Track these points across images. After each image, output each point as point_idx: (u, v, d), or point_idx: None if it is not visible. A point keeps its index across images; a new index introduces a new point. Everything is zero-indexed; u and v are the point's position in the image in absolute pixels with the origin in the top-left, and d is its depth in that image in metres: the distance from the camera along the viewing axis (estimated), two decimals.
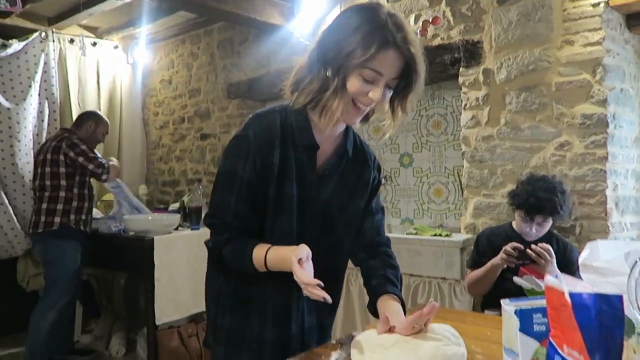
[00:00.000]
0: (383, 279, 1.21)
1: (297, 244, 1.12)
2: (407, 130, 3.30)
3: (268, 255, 1.07)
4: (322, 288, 1.13)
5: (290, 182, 1.13)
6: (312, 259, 1.17)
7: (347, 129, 1.22)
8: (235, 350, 1.17)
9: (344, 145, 1.20)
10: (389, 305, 1.15)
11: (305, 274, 0.99)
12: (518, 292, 1.91)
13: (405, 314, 1.13)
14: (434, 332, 0.99)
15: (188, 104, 4.46)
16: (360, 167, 1.26)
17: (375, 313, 1.18)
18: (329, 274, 1.23)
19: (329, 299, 0.97)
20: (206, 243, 1.17)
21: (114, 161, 3.24)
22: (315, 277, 1.17)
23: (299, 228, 1.16)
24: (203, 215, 3.48)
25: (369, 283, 1.23)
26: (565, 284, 0.62)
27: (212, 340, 1.22)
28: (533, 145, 2.49)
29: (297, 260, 0.99)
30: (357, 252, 1.28)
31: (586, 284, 0.62)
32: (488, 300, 2.21)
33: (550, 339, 0.68)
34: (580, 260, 0.95)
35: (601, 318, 0.56)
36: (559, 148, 2.40)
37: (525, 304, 0.80)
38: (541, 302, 0.80)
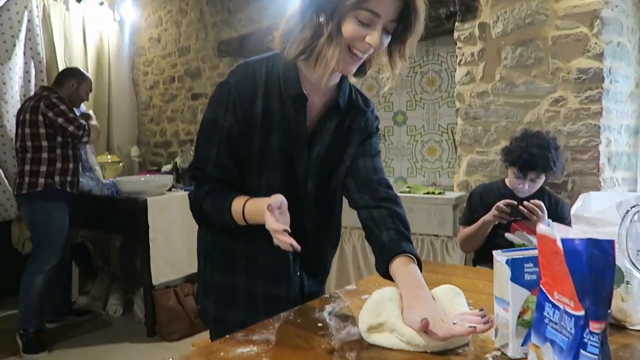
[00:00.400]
0: (395, 233, 1.04)
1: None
2: (401, 88, 3.26)
3: (246, 207, 1.04)
4: (315, 246, 1.11)
5: (277, 136, 1.09)
6: (305, 215, 1.16)
7: (341, 81, 1.14)
8: (226, 306, 1.17)
9: (336, 99, 1.13)
10: (408, 272, 0.96)
11: (271, 220, 0.92)
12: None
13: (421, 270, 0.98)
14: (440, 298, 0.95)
15: (178, 63, 4.36)
16: (354, 119, 1.18)
17: (386, 274, 1.00)
18: (323, 231, 1.24)
19: (297, 247, 0.89)
20: (189, 196, 1.14)
21: (93, 119, 3.10)
22: (308, 234, 1.17)
23: (288, 184, 1.11)
24: None
25: (378, 238, 1.05)
26: (558, 231, 0.62)
27: (203, 295, 1.22)
28: (527, 101, 2.46)
29: (267, 207, 0.94)
30: (353, 195, 1.16)
31: (578, 232, 0.62)
32: (479, 256, 2.25)
33: (541, 286, 0.68)
34: (572, 212, 0.95)
35: (592, 263, 0.56)
36: (553, 104, 2.38)
37: (516, 253, 0.80)
38: (532, 252, 0.80)
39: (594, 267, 0.56)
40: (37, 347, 2.80)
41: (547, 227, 0.66)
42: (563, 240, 0.59)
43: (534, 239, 2.06)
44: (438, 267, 1.43)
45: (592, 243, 0.56)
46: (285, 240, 0.90)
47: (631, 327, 0.91)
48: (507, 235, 2.09)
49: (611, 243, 0.56)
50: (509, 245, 2.00)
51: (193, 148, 3.59)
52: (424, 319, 0.80)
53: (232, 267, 1.16)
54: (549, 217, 1.96)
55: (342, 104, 1.14)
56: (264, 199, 0.99)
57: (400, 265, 0.97)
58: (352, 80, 1.17)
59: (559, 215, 2.06)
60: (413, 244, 1.04)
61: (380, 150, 1.24)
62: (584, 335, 0.57)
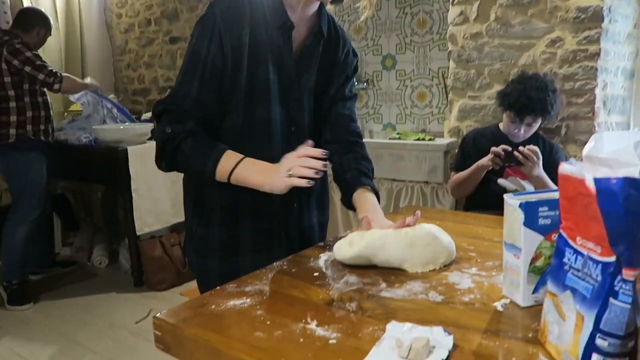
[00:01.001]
0: (357, 172, 1.16)
1: (281, 135, 1.08)
2: (390, 30, 3.12)
3: (244, 163, 0.98)
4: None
5: (266, 67, 1.03)
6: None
7: (320, 8, 1.10)
8: (231, 260, 1.11)
9: (318, 25, 1.10)
10: (365, 197, 1.11)
11: (295, 153, 0.93)
12: (502, 194, 1.89)
13: (379, 203, 1.12)
14: (422, 228, 0.95)
15: (154, 4, 4.11)
16: (335, 49, 1.17)
17: (350, 206, 1.14)
18: (322, 201, 1.25)
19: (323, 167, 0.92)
20: (159, 132, 1.03)
21: (88, 79, 3.02)
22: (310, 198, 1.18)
23: (280, 118, 1.07)
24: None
25: (343, 177, 1.17)
26: (586, 170, 0.56)
27: (190, 247, 1.16)
28: (523, 43, 2.36)
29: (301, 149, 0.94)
30: (328, 143, 1.19)
31: (606, 171, 0.56)
32: (471, 203, 2.21)
33: (561, 231, 0.62)
34: (584, 153, 0.89)
35: (629, 204, 0.50)
36: (550, 45, 2.29)
37: (530, 197, 0.74)
38: (548, 195, 0.74)
39: (631, 209, 0.50)
40: (22, 298, 2.76)
41: (571, 167, 0.59)
42: (596, 180, 0.52)
43: (527, 185, 2.03)
44: (435, 213, 1.39)
45: (630, 182, 0.50)
46: (315, 165, 0.91)
47: None
48: (500, 181, 2.05)
49: None
50: (502, 191, 1.96)
51: None
52: (365, 217, 1.01)
53: (236, 221, 1.10)
54: (542, 163, 1.92)
55: (325, 29, 1.12)
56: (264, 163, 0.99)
57: (360, 195, 1.12)
58: (329, 7, 1.14)
59: (554, 160, 2.02)
60: (373, 180, 1.18)
61: (357, 94, 1.28)
62: (615, 283, 0.52)
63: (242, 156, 0.99)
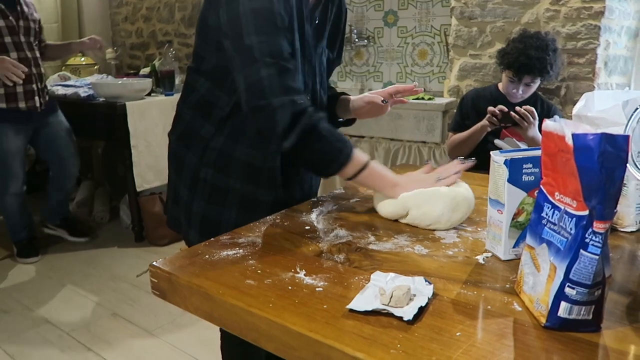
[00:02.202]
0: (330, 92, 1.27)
1: None
2: None
3: (372, 165, 0.97)
4: None
5: (299, 34, 0.99)
6: None
7: None
8: (250, 213, 1.07)
9: None
10: (345, 96, 1.28)
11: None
12: None
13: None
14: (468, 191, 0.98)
15: None
16: (339, 12, 1.15)
17: (338, 119, 1.29)
18: None
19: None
20: (288, 103, 0.90)
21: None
22: None
23: (310, 89, 1.08)
24: (176, 80, 3.25)
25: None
26: (567, 127, 0.57)
27: (186, 223, 1.12)
28: (527, 0, 2.31)
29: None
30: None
31: (589, 127, 0.57)
32: None
33: (541, 186, 0.64)
34: (574, 112, 0.90)
35: (604, 160, 0.52)
36: (554, 2, 2.24)
37: (515, 154, 0.76)
38: (533, 152, 0.76)
39: (606, 164, 0.52)
40: (31, 251, 2.83)
41: (554, 123, 0.60)
42: (574, 135, 0.54)
43: (523, 146, 2.04)
44: None
45: (606, 138, 0.52)
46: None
47: (621, 229, 0.90)
48: (497, 141, 2.06)
49: (626, 139, 0.52)
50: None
51: (172, 50, 3.36)
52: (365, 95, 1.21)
53: (257, 179, 1.07)
54: (540, 124, 1.92)
55: None
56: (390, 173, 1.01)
57: (341, 98, 1.28)
58: None
59: None
60: None
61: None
62: (586, 236, 0.55)
63: (367, 156, 0.99)
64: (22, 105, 2.55)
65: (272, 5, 0.90)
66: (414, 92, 1.22)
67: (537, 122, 1.92)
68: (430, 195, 0.93)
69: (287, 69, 0.91)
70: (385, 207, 0.98)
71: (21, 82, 2.47)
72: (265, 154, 1.05)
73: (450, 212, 0.92)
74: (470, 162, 1.01)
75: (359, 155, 0.96)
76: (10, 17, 2.47)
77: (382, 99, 1.23)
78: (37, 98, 2.60)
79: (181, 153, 1.11)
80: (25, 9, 2.57)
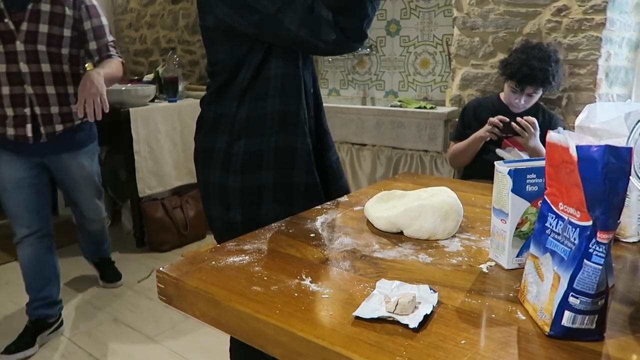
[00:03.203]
0: None
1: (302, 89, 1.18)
2: None
3: None
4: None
5: None
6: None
7: None
8: (285, 205, 1.16)
9: None
10: None
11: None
12: None
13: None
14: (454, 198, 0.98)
15: None
16: None
17: None
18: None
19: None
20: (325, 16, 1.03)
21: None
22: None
23: (301, 73, 1.17)
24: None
25: None
26: (571, 138, 0.58)
27: (223, 206, 1.17)
28: (529, 11, 2.34)
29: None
30: None
31: (592, 139, 0.58)
32: (469, 172, 2.24)
33: (545, 197, 0.65)
34: (576, 123, 0.91)
35: (607, 171, 0.53)
36: (555, 13, 2.26)
37: (520, 164, 0.77)
38: (536, 163, 0.77)
39: (609, 176, 0.53)
40: (26, 344, 2.05)
41: (558, 135, 0.62)
42: (578, 147, 0.55)
43: (525, 155, 2.05)
44: (431, 181, 1.41)
45: (610, 150, 0.53)
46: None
47: (624, 240, 0.91)
48: (498, 151, 2.08)
49: (629, 151, 0.53)
50: (500, 161, 1.99)
51: (175, 56, 3.39)
52: None
53: (291, 165, 1.16)
54: (541, 134, 1.94)
55: None
56: None
57: None
58: None
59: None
60: None
61: None
62: (590, 246, 0.55)
63: None
64: (10, 132, 1.96)
65: None
66: None
67: (538, 133, 1.93)
68: (417, 212, 0.94)
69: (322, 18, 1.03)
70: (372, 216, 0.99)
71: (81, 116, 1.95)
72: (294, 95, 1.14)
73: (444, 222, 0.93)
74: None
75: None
76: (7, 20, 1.89)
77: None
78: (29, 126, 1.95)
79: (209, 144, 1.17)
80: (48, 7, 1.93)
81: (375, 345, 0.59)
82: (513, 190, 0.76)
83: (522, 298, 0.68)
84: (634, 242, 0.91)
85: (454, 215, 0.94)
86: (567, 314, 0.57)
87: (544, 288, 0.62)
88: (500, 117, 1.97)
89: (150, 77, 3.47)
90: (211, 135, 1.17)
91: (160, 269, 0.80)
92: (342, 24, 1.04)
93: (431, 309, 0.65)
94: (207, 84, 1.21)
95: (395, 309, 0.64)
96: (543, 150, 1.92)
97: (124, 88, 3.11)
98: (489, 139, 2.04)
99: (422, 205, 0.94)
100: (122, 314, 2.30)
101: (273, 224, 1.01)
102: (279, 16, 1.02)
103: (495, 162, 0.80)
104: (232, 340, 1.21)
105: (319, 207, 1.13)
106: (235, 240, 0.92)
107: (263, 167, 1.14)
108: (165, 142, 3.00)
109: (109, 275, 2.65)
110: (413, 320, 0.62)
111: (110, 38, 2.15)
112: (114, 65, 2.09)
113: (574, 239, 0.59)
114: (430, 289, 0.69)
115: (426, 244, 0.90)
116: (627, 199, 0.89)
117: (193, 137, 1.24)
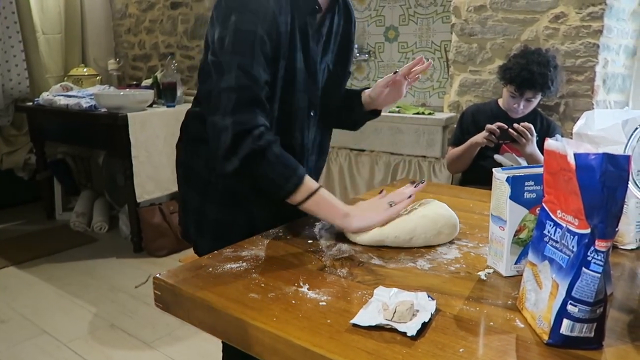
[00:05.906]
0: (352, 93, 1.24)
1: (302, 122, 1.09)
2: (394, 1, 3.08)
3: (322, 191, 0.93)
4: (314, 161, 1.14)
5: (297, 55, 1.01)
6: (313, 128, 1.14)
7: None
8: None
9: (334, 2, 1.08)
10: (364, 92, 1.21)
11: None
12: None
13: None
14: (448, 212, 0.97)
15: None
16: (348, 26, 1.16)
17: (361, 115, 1.24)
18: (321, 148, 1.24)
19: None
20: (238, 123, 0.89)
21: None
22: (311, 150, 1.16)
23: (303, 105, 1.07)
24: (179, 93, 3.25)
25: (346, 104, 1.23)
26: (569, 146, 0.58)
27: (196, 231, 1.14)
28: (527, 17, 2.35)
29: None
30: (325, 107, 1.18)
31: (590, 147, 0.58)
32: (467, 178, 2.24)
33: (544, 204, 0.65)
34: (574, 130, 0.91)
35: (605, 179, 0.53)
36: (553, 20, 2.27)
37: (517, 171, 0.77)
38: (534, 170, 0.77)
39: (607, 184, 0.53)
40: None
41: (556, 143, 0.62)
42: (576, 155, 0.55)
43: (523, 162, 2.05)
44: (429, 187, 1.41)
45: (608, 158, 0.53)
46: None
47: (622, 247, 0.91)
48: (496, 156, 2.08)
49: (627, 159, 0.53)
50: (498, 167, 1.99)
51: (174, 62, 3.39)
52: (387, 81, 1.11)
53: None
54: (539, 140, 1.94)
55: (341, 5, 1.12)
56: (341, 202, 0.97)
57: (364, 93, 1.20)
58: None
59: (549, 138, 2.04)
60: None
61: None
62: (588, 254, 0.55)
63: (318, 184, 0.95)
64: None
65: (255, 28, 0.91)
66: (425, 68, 1.11)
67: (535, 139, 1.94)
68: (405, 223, 0.92)
69: (251, 92, 0.91)
70: (362, 238, 0.93)
71: None
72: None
73: (436, 230, 0.92)
74: (422, 185, 1.00)
75: (309, 182, 0.93)
76: None
77: (395, 71, 1.13)
78: None
79: (190, 160, 1.14)
80: None
81: (373, 353, 0.58)
82: (511, 197, 0.76)
83: (520, 306, 0.67)
84: (632, 249, 0.91)
85: (447, 230, 0.93)
86: (565, 322, 0.57)
87: (543, 296, 0.62)
88: (498, 123, 1.97)
89: (148, 82, 3.46)
90: (192, 151, 1.13)
91: (157, 275, 0.80)
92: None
93: (429, 316, 0.65)
94: (195, 97, 1.14)
95: (393, 316, 0.64)
96: (540, 156, 1.93)
97: (122, 93, 3.12)
98: (485, 145, 2.04)
99: (415, 222, 0.92)
100: (119, 320, 2.29)
101: (271, 230, 1.00)
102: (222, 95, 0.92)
103: (494, 169, 0.80)
104: (225, 348, 1.20)
105: None
106: (233, 247, 0.91)
107: (240, 204, 1.09)
108: (164, 147, 3.00)
109: None
110: (411, 328, 0.62)
111: None
112: None
113: (573, 247, 0.58)
114: (429, 297, 0.69)
115: (424, 251, 0.90)
116: (625, 206, 0.89)
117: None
